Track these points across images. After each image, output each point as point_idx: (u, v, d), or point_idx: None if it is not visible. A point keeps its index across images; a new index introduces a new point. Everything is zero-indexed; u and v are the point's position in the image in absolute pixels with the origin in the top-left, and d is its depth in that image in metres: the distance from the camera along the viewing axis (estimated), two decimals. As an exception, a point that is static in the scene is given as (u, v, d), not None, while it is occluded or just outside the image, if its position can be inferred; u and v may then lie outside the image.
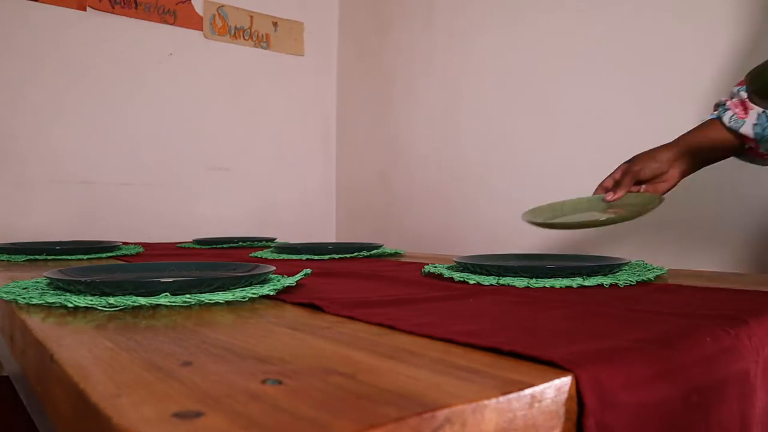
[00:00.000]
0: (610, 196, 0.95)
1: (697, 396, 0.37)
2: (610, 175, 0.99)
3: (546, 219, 0.97)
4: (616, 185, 0.96)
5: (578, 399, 0.32)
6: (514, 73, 1.76)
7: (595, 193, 1.00)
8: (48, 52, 1.69)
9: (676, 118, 1.36)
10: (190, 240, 1.56)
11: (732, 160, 0.99)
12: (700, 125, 0.95)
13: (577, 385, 0.31)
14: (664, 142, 0.98)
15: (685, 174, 0.96)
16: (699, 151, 0.94)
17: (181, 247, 1.43)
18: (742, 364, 0.42)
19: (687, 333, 0.41)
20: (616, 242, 1.43)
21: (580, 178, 1.56)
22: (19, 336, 0.48)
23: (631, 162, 0.97)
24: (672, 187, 0.96)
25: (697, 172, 0.99)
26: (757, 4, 1.23)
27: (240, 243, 1.47)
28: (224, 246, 1.41)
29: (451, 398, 0.27)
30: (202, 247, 1.40)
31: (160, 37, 1.88)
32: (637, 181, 0.95)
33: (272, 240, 1.57)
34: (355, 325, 0.45)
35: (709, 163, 0.97)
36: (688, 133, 0.95)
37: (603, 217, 0.92)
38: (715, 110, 0.94)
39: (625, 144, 1.45)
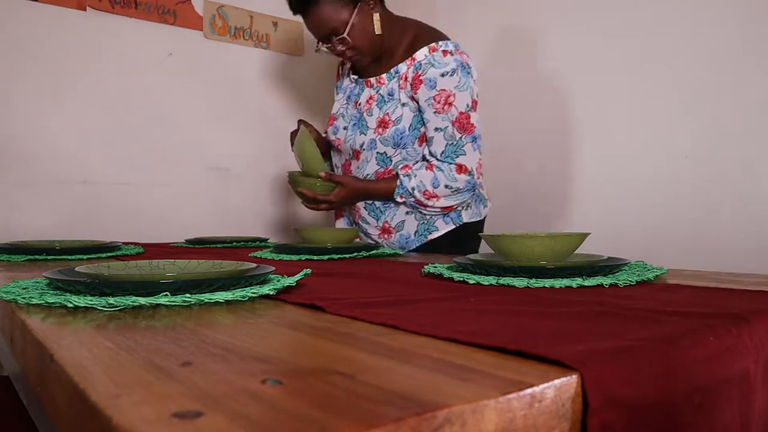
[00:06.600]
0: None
1: (700, 396, 0.37)
2: None
3: None
4: None
5: (581, 398, 0.32)
6: (515, 71, 1.76)
7: None
8: (48, 52, 1.69)
9: (676, 119, 1.36)
10: (183, 240, 1.56)
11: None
12: None
13: (583, 384, 0.31)
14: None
15: None
16: None
17: (178, 246, 1.43)
18: (742, 364, 0.42)
19: (690, 332, 0.41)
20: (617, 242, 1.43)
21: (580, 177, 1.56)
22: (19, 336, 0.48)
23: None
24: None
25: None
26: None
27: (234, 243, 1.47)
28: (217, 245, 1.42)
29: (451, 398, 0.27)
30: (193, 246, 1.41)
31: (160, 37, 1.88)
32: None
33: (264, 240, 1.57)
34: (354, 325, 0.45)
35: None
36: None
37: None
38: None
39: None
